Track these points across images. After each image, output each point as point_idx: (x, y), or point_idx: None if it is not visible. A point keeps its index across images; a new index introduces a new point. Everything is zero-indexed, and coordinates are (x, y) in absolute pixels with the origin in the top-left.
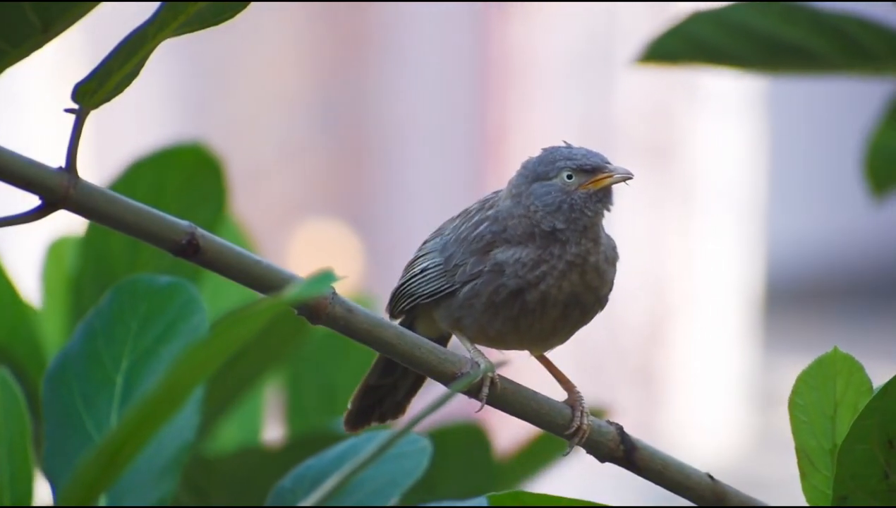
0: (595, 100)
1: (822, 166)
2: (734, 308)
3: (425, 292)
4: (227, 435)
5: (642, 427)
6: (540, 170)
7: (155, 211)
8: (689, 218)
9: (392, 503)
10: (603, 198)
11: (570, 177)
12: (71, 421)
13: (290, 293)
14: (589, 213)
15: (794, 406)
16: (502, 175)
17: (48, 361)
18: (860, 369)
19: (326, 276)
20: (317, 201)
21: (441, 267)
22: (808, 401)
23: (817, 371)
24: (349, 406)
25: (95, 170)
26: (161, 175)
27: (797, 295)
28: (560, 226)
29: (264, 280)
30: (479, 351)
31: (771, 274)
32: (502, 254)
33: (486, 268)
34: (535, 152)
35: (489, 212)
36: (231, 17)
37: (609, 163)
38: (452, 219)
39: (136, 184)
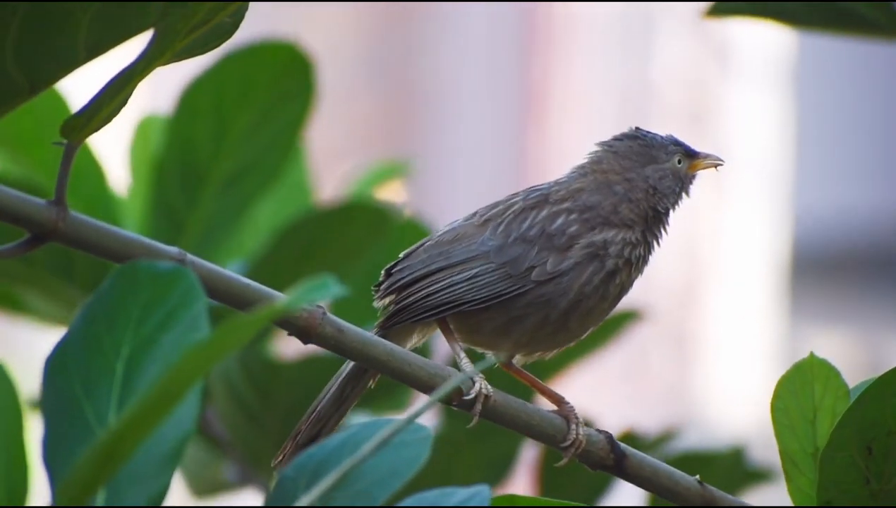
0: (633, 65)
1: (851, 137)
2: (762, 275)
3: (479, 298)
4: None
5: (673, 391)
6: (654, 154)
7: (143, 238)
8: (720, 185)
9: (394, 492)
10: None
11: (680, 162)
12: (70, 409)
13: (296, 296)
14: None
15: (775, 409)
16: (542, 131)
17: None
18: (837, 374)
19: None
20: (361, 153)
21: (502, 270)
22: (788, 405)
23: (795, 376)
24: (291, 443)
25: (150, 106)
26: (251, 70)
27: (824, 264)
28: (671, 208)
29: (253, 302)
30: (470, 363)
31: (799, 242)
32: (600, 235)
33: (575, 260)
34: (573, 112)
35: (564, 205)
36: (218, 45)
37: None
38: (473, 226)
39: (226, 77)
